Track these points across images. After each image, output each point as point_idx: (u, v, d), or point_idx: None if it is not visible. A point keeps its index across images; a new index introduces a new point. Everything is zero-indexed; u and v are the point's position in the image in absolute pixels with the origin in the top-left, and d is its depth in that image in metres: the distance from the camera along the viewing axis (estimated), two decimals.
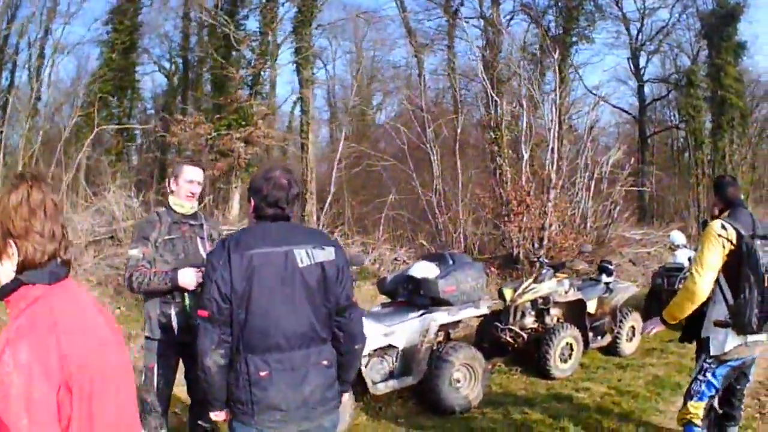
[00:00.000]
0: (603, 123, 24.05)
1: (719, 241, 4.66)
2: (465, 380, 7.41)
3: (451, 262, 7.69)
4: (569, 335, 8.68)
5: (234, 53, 19.35)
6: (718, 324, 4.76)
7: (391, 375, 7.19)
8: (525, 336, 8.83)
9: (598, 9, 26.20)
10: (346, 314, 3.50)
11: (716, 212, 5.05)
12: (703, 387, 4.88)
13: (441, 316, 7.33)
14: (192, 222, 5.02)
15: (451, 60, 22.82)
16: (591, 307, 9.39)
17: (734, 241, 4.65)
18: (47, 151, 20.70)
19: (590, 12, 25.73)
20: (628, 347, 9.64)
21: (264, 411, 3.33)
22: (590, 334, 9.21)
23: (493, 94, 16.74)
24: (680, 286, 6.64)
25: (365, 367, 6.95)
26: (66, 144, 20.05)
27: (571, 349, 8.71)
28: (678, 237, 12.25)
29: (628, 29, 29.42)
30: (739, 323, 4.64)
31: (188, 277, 4.67)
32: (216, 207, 17.60)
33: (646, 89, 31.04)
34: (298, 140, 20.75)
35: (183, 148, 19.72)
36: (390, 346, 7.18)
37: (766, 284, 4.61)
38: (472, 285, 7.44)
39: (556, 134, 15.15)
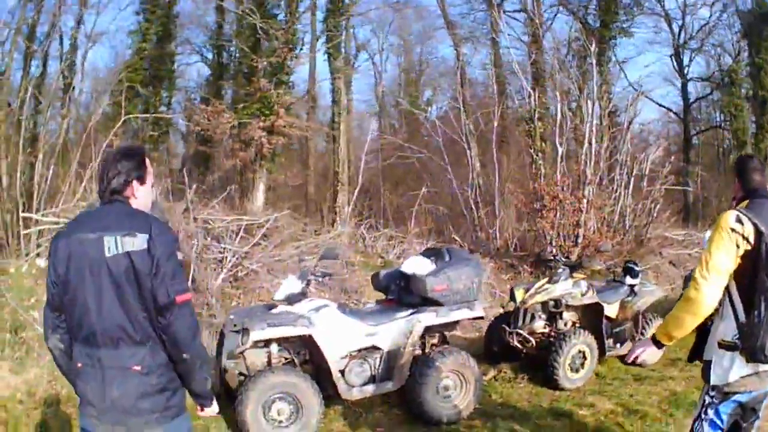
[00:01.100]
0: (648, 121, 23.01)
1: (732, 238, 3.69)
2: (455, 389, 6.80)
3: (447, 258, 7.07)
4: (582, 342, 7.91)
5: (266, 43, 18.98)
6: (723, 346, 3.81)
7: (373, 379, 6.66)
8: (534, 341, 8.10)
9: (636, 4, 25.33)
10: (167, 315, 3.10)
11: (735, 204, 4.04)
12: (706, 428, 3.91)
13: (427, 317, 6.73)
14: None
15: (491, 53, 22.23)
16: (611, 311, 8.58)
17: (752, 240, 3.66)
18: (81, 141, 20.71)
19: (629, 6, 24.80)
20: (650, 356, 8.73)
21: (83, 403, 3.22)
22: (610, 341, 8.45)
23: (527, 86, 16.05)
24: None
25: (341, 369, 6.48)
26: (98, 134, 19.97)
27: (584, 358, 7.94)
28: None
29: (670, 26, 28.49)
30: (749, 348, 3.67)
31: None
32: (241, 197, 17.20)
33: (693, 90, 30.09)
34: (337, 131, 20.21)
35: (208, 137, 19.47)
36: (374, 348, 6.69)
37: None
38: (466, 284, 6.78)
39: (594, 129, 14.39)
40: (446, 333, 7.23)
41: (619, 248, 13.79)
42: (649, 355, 4.17)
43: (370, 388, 6.59)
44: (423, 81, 28.93)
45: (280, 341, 6.31)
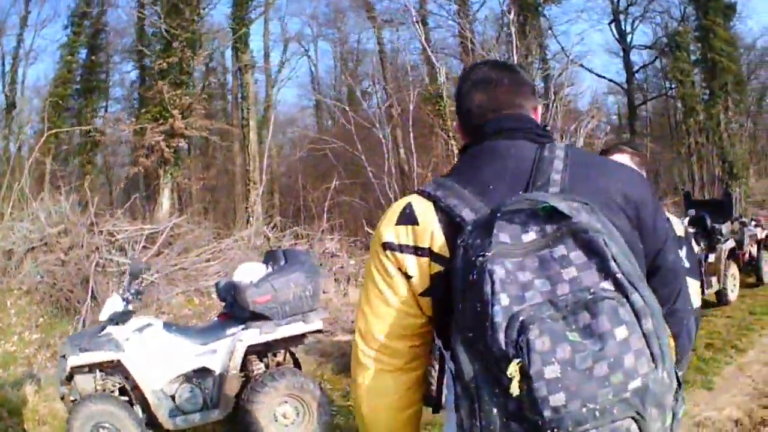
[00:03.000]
0: (580, 91, 21.90)
1: (389, 264, 1.76)
2: (297, 416, 5.82)
3: (282, 262, 6.12)
4: None
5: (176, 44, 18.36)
6: None
7: (205, 405, 5.85)
8: None
9: None
10: None
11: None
12: None
13: (250, 336, 5.79)
14: None
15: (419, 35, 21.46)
16: None
17: (438, 249, 1.70)
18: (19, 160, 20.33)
19: None
20: None
21: None
22: None
23: (435, 61, 15.21)
24: None
25: (172, 394, 5.77)
26: (29, 152, 19.62)
27: None
28: None
29: None
30: None
31: None
32: (147, 204, 16.59)
33: (639, 61, 29.58)
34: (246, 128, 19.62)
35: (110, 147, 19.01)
36: (204, 370, 5.83)
37: (517, 389, 1.35)
38: (296, 293, 5.79)
39: None
40: (291, 348, 6.29)
41: None
42: None
43: (194, 417, 5.78)
44: (360, 71, 27.96)
45: (105, 366, 5.69)
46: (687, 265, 3.03)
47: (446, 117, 15.39)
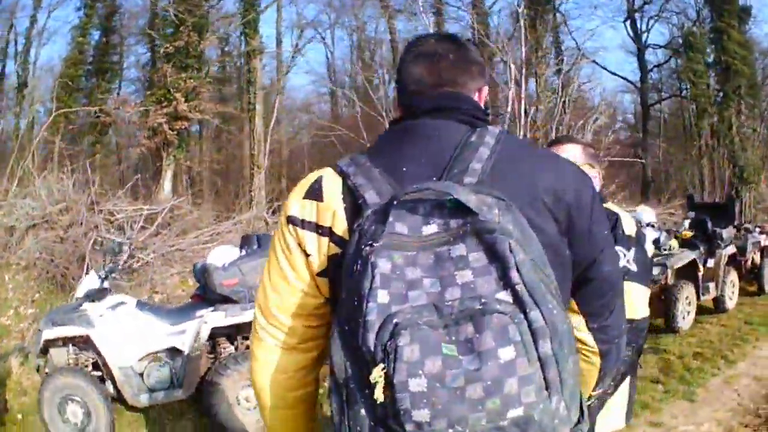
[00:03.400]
0: (590, 87, 21.48)
1: (290, 238, 1.66)
2: None
3: (255, 246, 6.18)
4: None
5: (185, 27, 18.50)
6: None
7: (172, 384, 5.89)
8: None
9: None
10: None
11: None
12: None
13: (215, 318, 5.79)
14: None
15: (434, 24, 21.34)
16: None
17: (339, 231, 1.58)
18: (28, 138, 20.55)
19: None
20: None
21: None
22: None
23: None
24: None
25: (141, 372, 5.81)
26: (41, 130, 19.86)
27: None
28: (645, 214, 9.87)
29: None
30: None
31: None
32: (153, 185, 16.75)
33: (655, 60, 29.05)
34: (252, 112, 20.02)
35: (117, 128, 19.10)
36: (174, 349, 5.86)
37: (381, 396, 1.26)
38: None
39: (522, 95, 13.31)
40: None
41: None
42: None
43: (159, 396, 5.84)
44: (374, 60, 27.84)
45: (77, 341, 5.83)
46: (634, 268, 2.86)
47: None
